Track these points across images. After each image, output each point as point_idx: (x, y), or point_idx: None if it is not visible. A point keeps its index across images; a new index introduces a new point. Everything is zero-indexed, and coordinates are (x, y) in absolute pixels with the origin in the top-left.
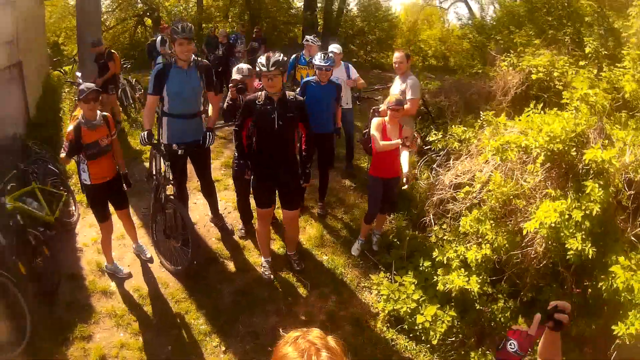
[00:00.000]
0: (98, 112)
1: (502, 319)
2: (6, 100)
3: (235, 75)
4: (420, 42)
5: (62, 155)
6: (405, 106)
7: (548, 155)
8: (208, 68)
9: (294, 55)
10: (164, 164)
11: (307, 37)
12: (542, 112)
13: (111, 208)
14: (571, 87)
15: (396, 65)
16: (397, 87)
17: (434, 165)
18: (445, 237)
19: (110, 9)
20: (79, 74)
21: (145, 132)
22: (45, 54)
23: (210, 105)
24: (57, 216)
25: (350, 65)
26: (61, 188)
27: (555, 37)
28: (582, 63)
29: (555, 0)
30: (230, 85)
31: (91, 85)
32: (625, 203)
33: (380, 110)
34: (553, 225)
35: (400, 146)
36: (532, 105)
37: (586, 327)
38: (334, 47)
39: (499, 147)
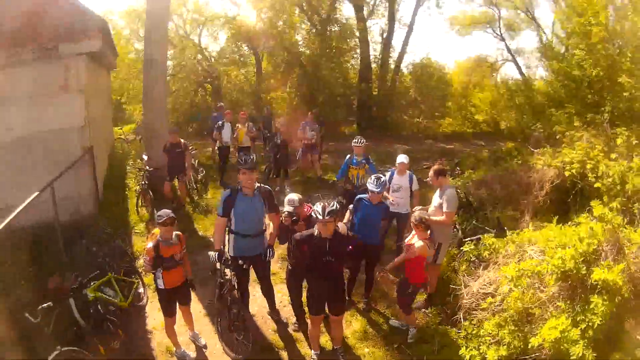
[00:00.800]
0: (174, 232)
1: None
2: (79, 182)
3: (288, 207)
4: (472, 107)
5: (146, 267)
6: (442, 218)
7: (560, 275)
8: (269, 193)
9: (347, 156)
10: (231, 272)
11: (354, 140)
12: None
13: None
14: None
15: (430, 182)
16: (434, 197)
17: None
18: (473, 332)
19: (172, 74)
20: (145, 157)
21: (216, 253)
22: (111, 126)
23: (271, 224)
24: (130, 302)
25: (414, 176)
26: (132, 275)
27: (594, 119)
28: (613, 156)
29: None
30: (284, 216)
31: (168, 211)
32: None
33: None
34: (554, 340)
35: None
36: (554, 222)
37: None
38: (403, 158)
39: (515, 275)
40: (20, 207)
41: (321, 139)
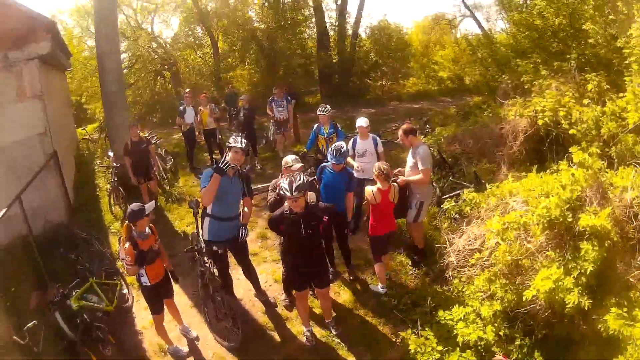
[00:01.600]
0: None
1: (519, 355)
2: (47, 190)
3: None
4: (434, 65)
5: (129, 269)
6: (419, 176)
7: (546, 224)
8: (248, 177)
9: (315, 125)
10: (208, 260)
11: (318, 109)
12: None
13: None
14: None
15: (401, 142)
16: (408, 157)
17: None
18: (464, 289)
19: (129, 66)
20: (111, 154)
21: (194, 202)
22: (73, 127)
23: (245, 207)
24: (115, 305)
25: (378, 139)
26: (114, 277)
27: (561, 67)
28: (585, 101)
29: (560, 22)
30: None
31: (138, 206)
32: (632, 235)
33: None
34: (548, 290)
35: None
36: (534, 171)
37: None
38: (362, 122)
39: (500, 229)
40: None
41: (294, 113)
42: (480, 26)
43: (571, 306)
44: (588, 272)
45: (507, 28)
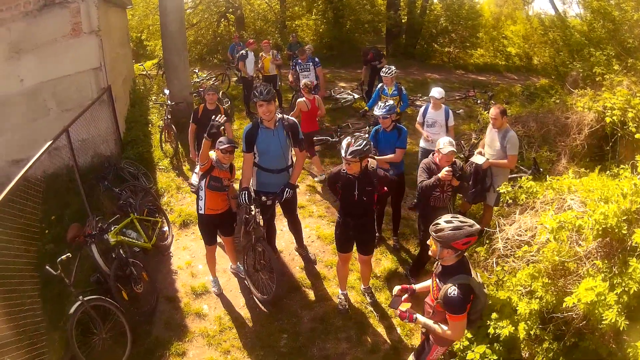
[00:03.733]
0: None
1: (544, 359)
2: (99, 123)
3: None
4: (504, 39)
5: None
6: (506, 162)
7: (600, 231)
8: (294, 126)
9: (379, 85)
10: (255, 209)
11: (382, 70)
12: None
13: None
14: None
15: (492, 121)
16: (492, 139)
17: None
18: (505, 279)
19: (192, 6)
20: (167, 91)
21: (245, 193)
22: (131, 63)
23: (296, 159)
24: (154, 242)
25: (450, 111)
26: (155, 214)
27: (634, 65)
28: None
29: (638, 18)
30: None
31: (229, 139)
32: None
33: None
34: (589, 302)
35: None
36: (596, 171)
37: None
38: (436, 92)
39: (555, 227)
40: (36, 157)
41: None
42: (554, 6)
43: (607, 323)
44: (632, 291)
45: (582, 14)
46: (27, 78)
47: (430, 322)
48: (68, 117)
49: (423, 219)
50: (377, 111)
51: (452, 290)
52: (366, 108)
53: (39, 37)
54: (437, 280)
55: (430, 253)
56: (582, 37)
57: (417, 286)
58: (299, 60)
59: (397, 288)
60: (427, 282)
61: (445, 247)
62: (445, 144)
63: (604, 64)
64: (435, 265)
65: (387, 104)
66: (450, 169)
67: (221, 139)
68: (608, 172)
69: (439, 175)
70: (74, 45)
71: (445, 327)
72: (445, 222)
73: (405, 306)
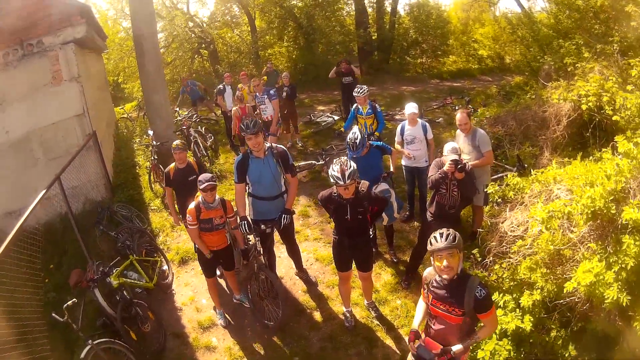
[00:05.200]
0: (217, 196)
1: (554, 347)
2: (88, 169)
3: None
4: (474, 43)
5: (190, 229)
6: (485, 159)
7: (590, 215)
8: (283, 154)
9: (354, 105)
10: (255, 238)
11: (355, 91)
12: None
13: None
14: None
15: (461, 127)
16: (464, 143)
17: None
18: (504, 276)
19: (165, 45)
20: (150, 132)
21: (245, 222)
22: (111, 107)
23: (289, 185)
24: (155, 282)
25: (427, 125)
26: (153, 254)
27: (603, 50)
28: (629, 87)
29: (602, 3)
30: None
31: (208, 176)
32: None
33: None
34: (589, 284)
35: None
36: (579, 158)
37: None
38: (412, 107)
39: (545, 217)
40: (31, 207)
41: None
42: (519, 4)
43: (610, 301)
44: (629, 267)
45: (548, 7)
46: (12, 129)
47: (467, 343)
48: (56, 165)
49: (422, 230)
50: (351, 154)
51: (479, 290)
52: (342, 129)
53: (21, 88)
54: (445, 296)
55: (451, 271)
56: (550, 30)
57: (417, 323)
58: (256, 94)
59: (413, 346)
60: (420, 313)
61: (460, 249)
62: (449, 151)
63: (574, 53)
64: (427, 286)
65: (357, 143)
66: (453, 161)
67: (200, 178)
68: (591, 157)
69: (444, 167)
70: (56, 93)
71: (477, 335)
72: (445, 231)
73: (434, 348)
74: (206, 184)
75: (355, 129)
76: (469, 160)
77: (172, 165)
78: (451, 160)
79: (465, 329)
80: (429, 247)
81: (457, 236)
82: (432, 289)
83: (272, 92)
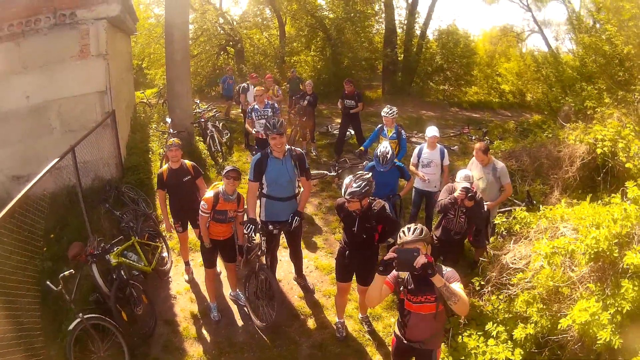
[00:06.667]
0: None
1: None
2: (102, 147)
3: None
4: (498, 76)
5: (202, 215)
6: (506, 193)
7: (592, 255)
8: (301, 157)
9: (379, 126)
10: (260, 237)
11: (384, 110)
12: (596, 202)
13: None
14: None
15: (479, 159)
16: (480, 175)
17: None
18: (500, 307)
19: (194, 38)
20: (168, 120)
21: (251, 227)
22: (132, 90)
23: (303, 188)
24: (154, 267)
25: (445, 151)
26: (156, 239)
27: (625, 97)
28: None
29: (628, 51)
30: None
31: (234, 166)
32: None
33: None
34: (584, 322)
35: None
36: (587, 200)
37: None
38: (434, 131)
39: (548, 252)
40: (41, 174)
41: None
42: (547, 43)
43: (602, 342)
44: (624, 311)
45: (575, 49)
46: (33, 95)
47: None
48: (71, 138)
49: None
50: (378, 166)
51: (446, 269)
52: (362, 148)
53: (48, 56)
54: (418, 288)
55: (428, 259)
56: (575, 72)
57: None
58: (256, 107)
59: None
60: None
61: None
62: (461, 178)
63: (596, 97)
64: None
65: (388, 157)
66: (464, 189)
67: (226, 168)
68: (599, 201)
69: (455, 194)
70: (81, 67)
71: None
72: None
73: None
74: (230, 170)
75: (386, 143)
76: (483, 191)
77: (165, 167)
78: (462, 188)
79: (439, 319)
80: (398, 240)
81: (424, 230)
82: (406, 287)
83: (275, 105)
